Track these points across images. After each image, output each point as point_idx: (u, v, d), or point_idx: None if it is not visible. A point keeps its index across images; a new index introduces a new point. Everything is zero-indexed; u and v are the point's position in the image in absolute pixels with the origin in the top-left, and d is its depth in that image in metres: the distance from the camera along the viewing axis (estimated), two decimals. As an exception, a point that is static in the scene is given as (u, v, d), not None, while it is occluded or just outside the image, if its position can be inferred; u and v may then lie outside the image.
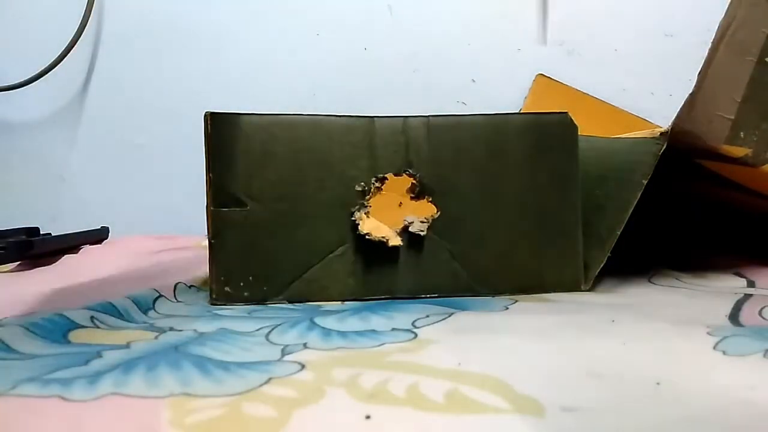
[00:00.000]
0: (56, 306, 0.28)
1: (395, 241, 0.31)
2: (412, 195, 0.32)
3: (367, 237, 0.31)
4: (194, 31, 0.75)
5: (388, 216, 0.32)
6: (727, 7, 0.31)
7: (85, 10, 0.77)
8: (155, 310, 0.30)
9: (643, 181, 0.32)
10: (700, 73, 0.32)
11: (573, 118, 0.33)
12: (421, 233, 0.32)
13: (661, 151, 0.32)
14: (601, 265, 0.32)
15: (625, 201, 0.32)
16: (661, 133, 0.33)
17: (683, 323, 0.24)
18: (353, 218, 0.31)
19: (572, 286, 0.33)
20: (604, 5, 0.76)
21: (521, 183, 0.32)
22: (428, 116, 0.32)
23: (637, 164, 0.33)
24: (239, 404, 0.17)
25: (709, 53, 0.32)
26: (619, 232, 0.32)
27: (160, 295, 0.31)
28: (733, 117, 0.31)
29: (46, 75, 0.76)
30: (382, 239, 0.31)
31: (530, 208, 0.32)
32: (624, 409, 0.16)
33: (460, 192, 0.32)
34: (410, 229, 0.32)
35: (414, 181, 0.32)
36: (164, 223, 0.72)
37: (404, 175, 0.32)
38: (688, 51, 0.72)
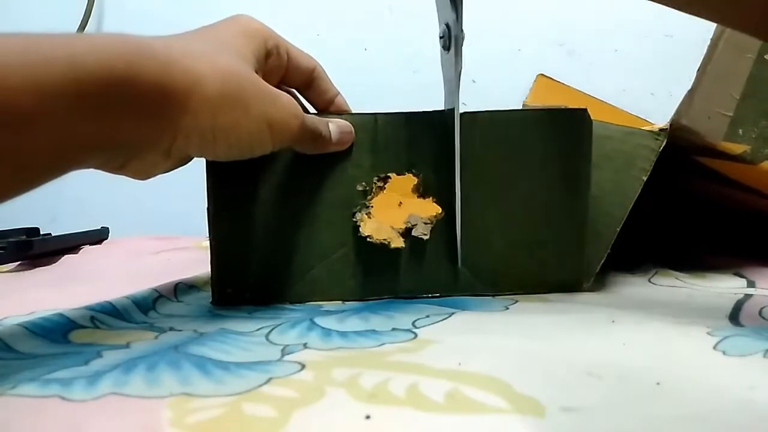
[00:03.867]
0: (56, 306, 0.28)
1: (397, 243, 0.31)
2: (417, 194, 0.32)
3: (368, 240, 0.31)
4: (194, 32, 0.75)
5: (390, 215, 0.31)
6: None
7: (85, 10, 0.77)
8: (155, 310, 0.30)
9: (643, 177, 0.32)
10: (699, 69, 0.32)
11: (590, 115, 0.31)
12: (424, 237, 0.31)
13: (661, 147, 0.32)
14: (602, 262, 0.32)
15: (624, 197, 0.32)
16: (661, 129, 0.33)
17: (683, 323, 0.24)
18: (354, 219, 0.31)
19: (573, 287, 0.32)
20: (604, 5, 0.76)
21: (528, 182, 0.32)
22: (431, 112, 0.31)
23: (634, 158, 0.33)
24: (239, 404, 0.17)
25: (708, 50, 0.32)
26: (618, 229, 0.32)
27: (160, 295, 0.31)
28: (731, 114, 0.31)
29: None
30: (384, 242, 0.31)
31: (536, 208, 0.32)
32: (624, 409, 0.16)
33: (464, 191, 0.31)
34: (413, 233, 0.31)
35: (417, 180, 0.31)
36: (164, 223, 0.72)
37: (407, 174, 0.32)
38: (688, 51, 0.72)
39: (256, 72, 0.26)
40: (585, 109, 0.31)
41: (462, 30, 0.28)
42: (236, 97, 0.23)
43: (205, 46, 0.24)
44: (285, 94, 0.26)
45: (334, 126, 0.30)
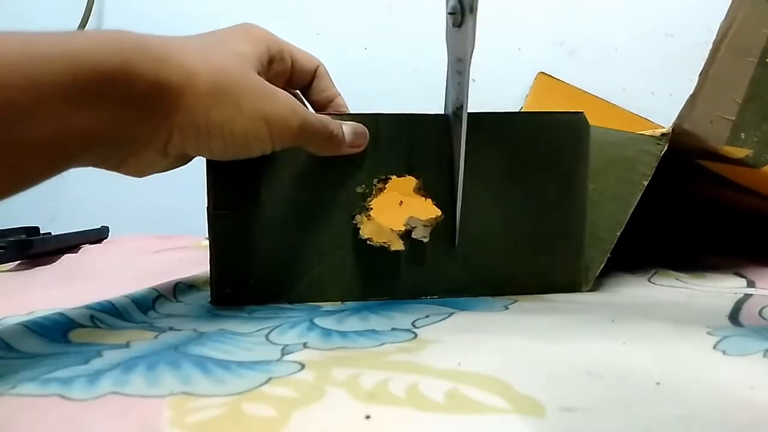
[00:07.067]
0: (56, 305, 0.28)
1: (397, 245, 0.31)
2: (416, 196, 0.32)
3: (368, 243, 0.31)
4: (194, 32, 0.75)
5: (390, 216, 0.31)
6: (728, 8, 0.31)
7: (85, 10, 0.77)
8: (155, 310, 0.30)
9: (644, 182, 0.32)
10: (701, 73, 0.32)
11: (587, 118, 0.32)
12: (424, 239, 0.31)
13: (662, 152, 0.32)
14: (602, 266, 0.32)
15: (625, 202, 0.32)
16: (663, 134, 0.33)
17: (683, 323, 0.24)
18: (354, 222, 0.31)
19: (573, 287, 0.32)
20: (604, 5, 0.76)
21: (527, 183, 0.32)
22: (432, 114, 0.32)
23: (636, 163, 0.33)
24: (239, 404, 0.17)
25: (710, 54, 0.32)
26: (619, 233, 0.32)
27: (160, 295, 0.31)
28: (733, 118, 0.31)
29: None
30: (384, 245, 0.31)
31: (534, 209, 0.32)
32: (624, 409, 0.16)
33: (465, 192, 0.31)
34: (413, 235, 0.31)
35: (417, 182, 0.31)
36: (164, 223, 0.72)
37: (407, 175, 0.31)
38: (688, 51, 0.72)
39: (258, 74, 0.26)
40: (582, 113, 0.32)
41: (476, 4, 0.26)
42: (228, 92, 0.23)
43: (201, 45, 0.24)
44: (283, 91, 0.26)
45: (348, 128, 0.29)
